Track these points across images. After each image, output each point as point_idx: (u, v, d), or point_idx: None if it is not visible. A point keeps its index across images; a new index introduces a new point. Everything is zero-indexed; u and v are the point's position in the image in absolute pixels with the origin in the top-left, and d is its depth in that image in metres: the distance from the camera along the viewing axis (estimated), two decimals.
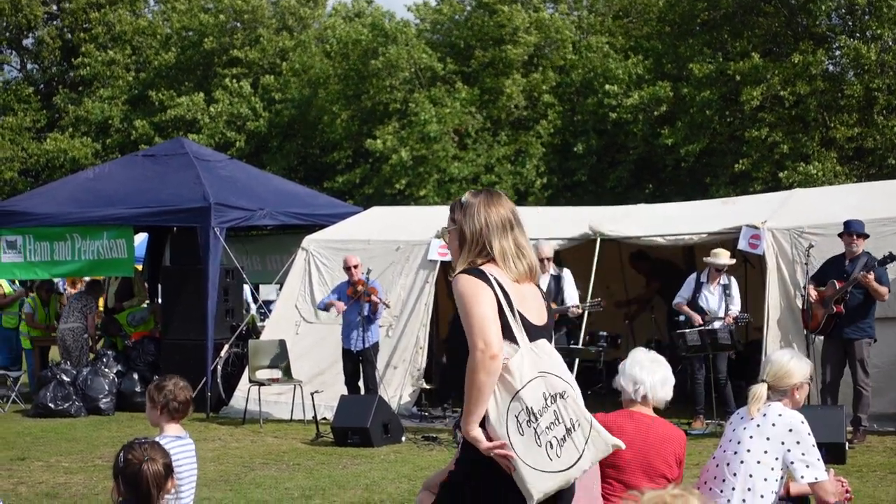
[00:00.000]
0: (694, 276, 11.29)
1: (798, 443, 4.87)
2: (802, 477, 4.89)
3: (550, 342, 3.92)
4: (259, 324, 14.30)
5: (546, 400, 3.71)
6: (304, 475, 9.08)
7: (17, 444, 10.79)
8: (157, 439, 4.40)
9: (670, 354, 9.71)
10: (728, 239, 11.38)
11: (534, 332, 3.83)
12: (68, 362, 13.48)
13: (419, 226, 12.97)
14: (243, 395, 12.20)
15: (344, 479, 8.90)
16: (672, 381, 5.13)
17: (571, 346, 11.40)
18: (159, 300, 14.88)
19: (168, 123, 29.27)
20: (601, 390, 12.50)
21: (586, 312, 11.42)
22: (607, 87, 23.99)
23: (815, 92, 21.82)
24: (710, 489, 4.97)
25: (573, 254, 12.67)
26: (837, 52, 22.85)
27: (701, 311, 10.96)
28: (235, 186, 13.97)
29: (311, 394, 11.37)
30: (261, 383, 11.87)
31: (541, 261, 11.17)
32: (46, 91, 34.77)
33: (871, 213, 10.60)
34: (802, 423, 4.91)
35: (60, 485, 8.79)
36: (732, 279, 11.14)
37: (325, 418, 11.35)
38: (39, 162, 31.36)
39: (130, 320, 14.69)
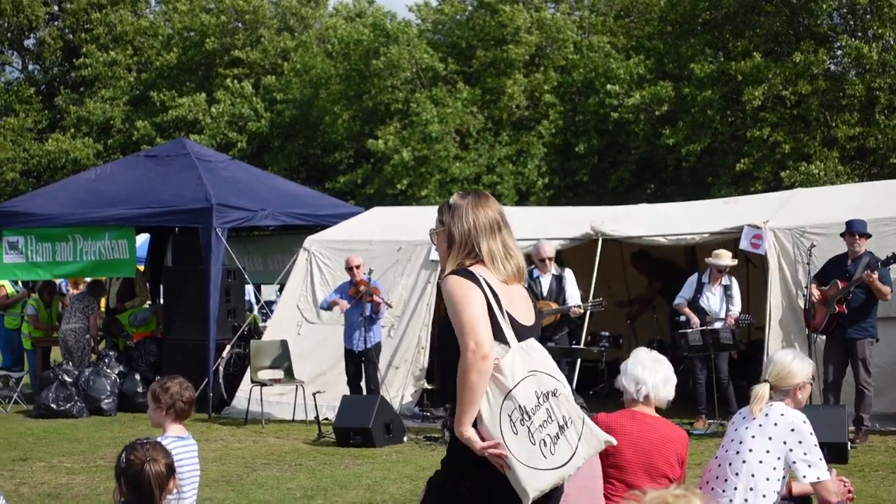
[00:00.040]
0: (695, 276, 11.28)
1: (800, 442, 4.87)
2: (805, 477, 4.89)
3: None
4: (261, 324, 14.30)
5: (538, 398, 3.73)
6: (306, 475, 9.08)
7: (19, 445, 10.80)
8: (159, 440, 4.40)
9: (672, 354, 9.70)
10: (730, 239, 11.38)
11: (522, 332, 3.86)
12: (70, 363, 13.49)
13: (421, 226, 12.95)
14: (245, 396, 12.21)
15: (346, 479, 8.90)
16: (674, 380, 5.13)
17: (573, 346, 11.40)
18: (161, 301, 14.88)
19: (169, 124, 29.30)
20: (603, 390, 12.51)
21: (588, 312, 11.41)
22: (609, 86, 23.99)
23: (816, 91, 21.82)
24: (713, 489, 4.97)
25: (575, 254, 12.67)
26: (839, 52, 22.85)
27: (702, 312, 10.95)
28: (237, 187, 13.98)
29: (313, 394, 11.37)
30: (263, 384, 11.88)
31: (542, 261, 11.18)
32: (48, 92, 34.80)
33: (873, 212, 10.59)
34: (804, 422, 4.91)
35: (62, 485, 8.80)
36: (734, 280, 11.13)
37: (326, 419, 11.35)
38: (41, 163, 31.39)
39: (133, 321, 14.69)
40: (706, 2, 23.78)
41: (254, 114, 28.88)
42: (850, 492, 5.15)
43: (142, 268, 15.99)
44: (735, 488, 4.89)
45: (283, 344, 12.26)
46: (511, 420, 3.69)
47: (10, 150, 31.08)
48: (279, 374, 12.10)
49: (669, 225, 12.07)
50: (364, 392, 11.38)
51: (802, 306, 10.36)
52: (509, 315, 3.84)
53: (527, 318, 3.93)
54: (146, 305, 15.10)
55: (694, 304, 11.03)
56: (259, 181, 15.29)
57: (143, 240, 16.38)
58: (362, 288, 11.38)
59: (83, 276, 15.47)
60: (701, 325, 10.79)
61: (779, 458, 4.88)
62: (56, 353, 14.68)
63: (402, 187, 25.00)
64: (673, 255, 13.63)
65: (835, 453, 8.24)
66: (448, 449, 3.94)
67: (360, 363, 11.54)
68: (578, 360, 11.50)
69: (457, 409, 3.72)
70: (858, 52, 21.35)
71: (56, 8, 35.01)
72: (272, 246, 16.99)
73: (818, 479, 4.87)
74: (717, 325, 10.82)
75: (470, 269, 3.86)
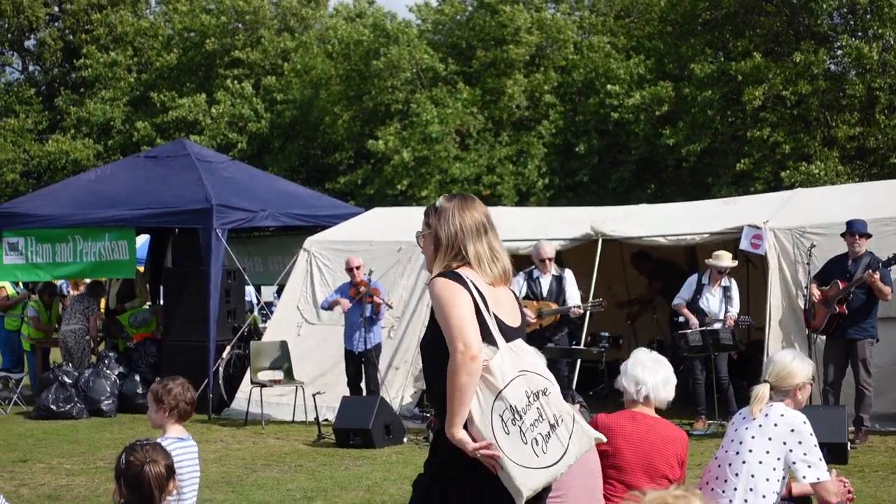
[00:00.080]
0: (695, 277, 11.27)
1: (800, 443, 4.87)
2: (804, 477, 4.89)
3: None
4: (261, 325, 14.30)
5: (529, 398, 3.75)
6: (305, 476, 9.08)
7: (18, 446, 10.80)
8: (159, 441, 4.40)
9: (672, 355, 9.69)
10: (730, 239, 11.37)
11: (509, 334, 3.88)
12: (70, 364, 13.48)
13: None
14: (245, 397, 12.21)
15: (346, 480, 8.90)
16: (674, 381, 5.14)
17: (573, 347, 11.39)
18: (161, 302, 14.88)
19: (170, 125, 29.31)
20: (603, 391, 12.50)
21: (588, 313, 11.41)
22: (609, 87, 24.00)
23: (816, 91, 21.83)
24: (712, 489, 4.97)
25: (575, 254, 12.67)
26: (839, 52, 22.86)
27: (701, 313, 10.94)
28: (237, 188, 13.98)
29: (313, 395, 11.37)
30: (262, 385, 11.88)
31: (542, 261, 11.18)
32: (48, 93, 34.82)
33: (874, 212, 10.59)
34: (804, 423, 4.90)
35: (62, 487, 8.80)
36: (733, 281, 11.12)
37: (326, 419, 11.35)
38: (41, 164, 31.40)
39: (133, 321, 14.69)
40: (706, 2, 23.79)
41: (254, 114, 28.88)
42: (849, 492, 5.15)
43: (142, 269, 15.99)
44: (735, 489, 4.89)
45: (283, 345, 12.26)
46: (502, 420, 3.71)
47: (11, 151, 31.09)
48: (279, 375, 12.09)
49: (669, 225, 12.07)
50: (364, 393, 11.38)
51: (802, 306, 10.36)
52: (496, 317, 3.86)
53: (513, 319, 3.95)
54: (146, 306, 15.09)
55: (693, 305, 11.02)
56: (259, 182, 15.29)
57: (143, 241, 16.38)
58: (363, 289, 11.39)
59: (83, 277, 15.47)
60: (700, 326, 10.79)
61: (779, 459, 4.88)
62: (56, 355, 14.68)
63: (403, 188, 25.00)
64: (673, 255, 13.62)
65: (835, 454, 8.24)
66: (437, 451, 3.93)
67: (360, 364, 11.54)
68: (578, 361, 11.49)
69: (447, 411, 3.73)
70: (858, 52, 21.36)
71: (56, 9, 35.02)
72: (272, 247, 16.99)
73: (818, 479, 4.87)
74: (717, 325, 10.81)
75: (457, 271, 3.88)
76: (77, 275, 14.93)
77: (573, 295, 11.30)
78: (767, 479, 4.87)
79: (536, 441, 3.72)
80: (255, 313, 15.20)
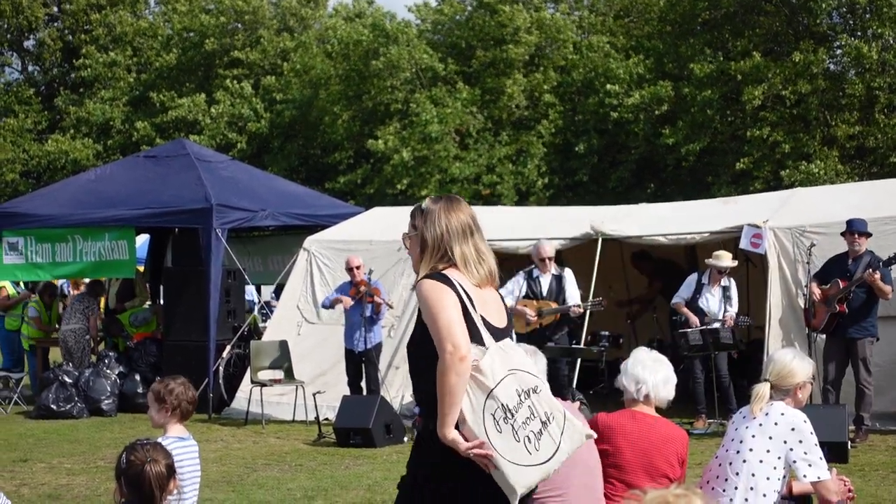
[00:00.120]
0: (694, 276, 11.27)
1: (800, 442, 4.87)
2: (805, 476, 4.89)
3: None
4: (261, 325, 14.30)
5: (520, 396, 3.76)
6: (306, 476, 9.08)
7: (19, 446, 10.80)
8: (159, 440, 4.40)
9: (672, 354, 9.70)
10: (730, 238, 11.37)
11: (496, 335, 3.90)
12: (70, 364, 13.48)
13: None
14: (245, 396, 12.21)
15: (346, 479, 8.90)
16: (674, 380, 5.14)
17: (573, 346, 11.39)
18: (161, 301, 14.88)
19: (169, 124, 29.30)
20: (603, 390, 12.49)
21: (588, 312, 11.40)
22: (608, 86, 24.00)
23: (816, 91, 21.83)
24: (713, 489, 4.97)
25: (575, 253, 12.67)
26: (838, 51, 22.87)
27: (701, 313, 10.95)
28: (237, 187, 13.98)
29: (314, 394, 11.37)
30: (263, 384, 11.88)
31: (542, 260, 11.17)
32: (47, 93, 34.81)
33: (873, 211, 10.59)
34: (805, 422, 4.91)
35: (63, 486, 8.80)
36: (732, 281, 11.12)
37: (327, 419, 11.35)
38: (41, 164, 31.38)
39: (133, 321, 14.69)
40: (706, 2, 23.79)
41: (253, 114, 28.88)
42: (850, 491, 5.16)
43: (142, 268, 15.99)
44: (735, 488, 4.89)
45: (283, 344, 12.26)
46: (494, 419, 3.72)
47: (10, 152, 31.09)
48: (279, 374, 12.09)
49: (669, 224, 12.07)
50: (364, 392, 11.38)
51: (802, 305, 10.36)
52: (483, 318, 3.87)
53: (499, 320, 3.97)
54: (146, 306, 15.09)
55: (693, 304, 11.02)
56: (259, 181, 15.29)
57: (142, 240, 16.38)
58: (363, 288, 11.38)
59: (83, 277, 15.47)
60: (700, 326, 10.79)
61: (779, 458, 4.88)
62: (56, 354, 14.67)
63: (402, 187, 24.99)
64: (673, 254, 13.62)
65: (835, 453, 8.23)
66: (425, 450, 3.90)
67: (361, 363, 11.54)
68: (578, 360, 11.49)
69: (438, 412, 3.73)
70: (858, 52, 21.36)
71: (55, 9, 35.00)
72: (272, 246, 16.99)
73: (818, 478, 4.87)
74: (717, 324, 10.81)
75: (443, 272, 3.89)
76: (77, 274, 14.92)
77: (573, 294, 11.30)
78: (768, 478, 4.87)
79: (529, 439, 3.73)
80: (255, 313, 15.20)
